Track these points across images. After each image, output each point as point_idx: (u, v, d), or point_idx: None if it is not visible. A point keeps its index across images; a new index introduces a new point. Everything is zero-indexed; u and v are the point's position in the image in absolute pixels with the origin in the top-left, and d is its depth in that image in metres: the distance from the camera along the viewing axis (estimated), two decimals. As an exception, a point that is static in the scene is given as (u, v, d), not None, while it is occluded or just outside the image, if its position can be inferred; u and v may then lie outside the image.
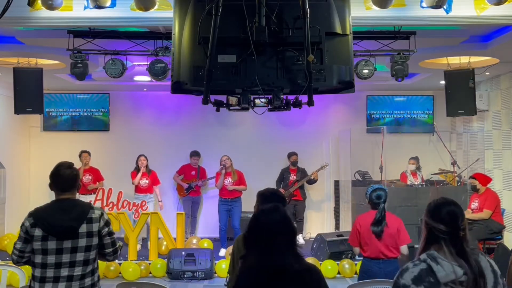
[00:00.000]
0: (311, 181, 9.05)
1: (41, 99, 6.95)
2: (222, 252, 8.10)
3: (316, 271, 2.26)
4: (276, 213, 2.28)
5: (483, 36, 6.25)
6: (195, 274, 6.92)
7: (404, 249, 4.50)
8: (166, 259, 7.17)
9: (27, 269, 6.89)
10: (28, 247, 3.02)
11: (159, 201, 8.94)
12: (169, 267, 6.99)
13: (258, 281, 2.15)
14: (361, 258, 4.67)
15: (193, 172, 9.40)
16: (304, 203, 9.12)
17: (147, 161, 8.81)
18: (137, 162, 8.78)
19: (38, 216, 3.03)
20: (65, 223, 2.97)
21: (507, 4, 4.58)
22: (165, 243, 7.85)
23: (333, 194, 9.80)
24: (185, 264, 6.97)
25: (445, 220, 2.18)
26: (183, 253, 7.08)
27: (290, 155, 9.12)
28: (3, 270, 4.58)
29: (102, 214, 3.12)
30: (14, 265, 4.87)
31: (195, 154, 9.42)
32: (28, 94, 6.76)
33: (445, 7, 4.66)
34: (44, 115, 9.57)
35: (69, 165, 3.18)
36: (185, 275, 6.91)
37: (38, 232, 2.98)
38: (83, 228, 3.00)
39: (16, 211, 9.43)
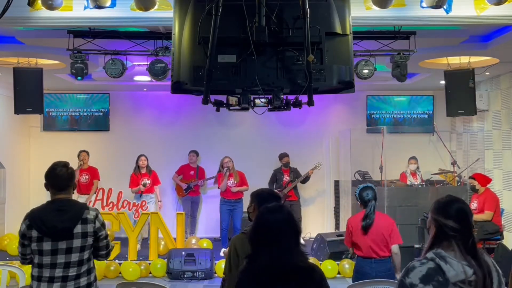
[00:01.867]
0: (305, 180, 9.03)
1: (41, 99, 6.95)
2: (223, 252, 8.09)
3: (319, 270, 2.28)
4: (281, 212, 2.29)
5: (483, 36, 6.25)
6: (195, 274, 6.92)
7: (394, 248, 4.53)
8: (166, 259, 7.17)
9: (27, 269, 6.88)
10: (27, 250, 3.06)
11: (158, 201, 8.93)
12: (169, 267, 6.99)
13: (267, 280, 2.15)
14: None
15: (192, 172, 9.40)
16: (299, 203, 9.10)
17: (148, 161, 8.80)
18: (137, 162, 8.77)
19: (33, 218, 3.04)
20: (60, 224, 2.98)
21: (507, 4, 4.57)
22: (163, 242, 7.85)
23: (333, 194, 9.79)
24: (185, 264, 6.97)
25: (455, 217, 2.15)
26: (183, 253, 7.08)
27: (282, 156, 9.07)
28: (3, 270, 4.58)
29: (97, 215, 3.12)
30: (14, 265, 4.87)
31: (192, 151, 9.43)
32: (28, 94, 6.76)
33: (445, 7, 4.66)
34: (44, 115, 9.57)
35: (64, 164, 3.18)
36: (185, 275, 6.91)
37: (34, 233, 2.99)
38: (78, 228, 3.01)
39: (16, 211, 9.42)
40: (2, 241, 8.60)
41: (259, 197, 3.27)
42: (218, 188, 8.58)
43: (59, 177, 3.10)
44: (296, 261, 2.18)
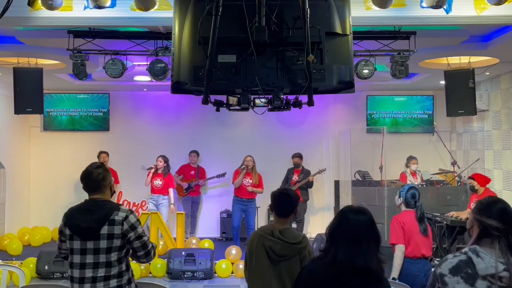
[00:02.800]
0: (309, 184, 9.08)
1: (41, 99, 6.95)
2: (233, 250, 7.86)
3: (387, 283, 2.24)
4: (364, 215, 2.27)
5: (483, 36, 6.25)
6: (195, 274, 6.91)
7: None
8: (166, 259, 7.17)
9: (27, 268, 6.88)
10: (63, 245, 3.12)
11: (171, 204, 8.80)
12: (169, 267, 6.99)
13: (339, 276, 2.14)
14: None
15: (192, 172, 9.41)
16: (305, 205, 9.13)
17: (165, 162, 8.77)
18: (156, 162, 8.79)
19: (68, 216, 3.08)
20: (84, 223, 2.98)
21: (507, 4, 4.57)
22: (161, 242, 7.85)
23: (333, 194, 9.79)
24: (185, 264, 6.97)
25: (498, 216, 2.17)
26: (183, 253, 7.08)
27: (292, 157, 9.21)
28: (3, 270, 4.59)
29: (126, 217, 3.02)
30: (14, 265, 4.87)
31: (193, 151, 9.45)
32: (28, 94, 6.76)
33: (445, 7, 4.66)
34: (44, 115, 9.56)
35: (98, 165, 3.19)
36: (185, 275, 6.91)
37: (67, 231, 3.03)
38: (104, 229, 2.97)
39: (16, 211, 9.43)
40: (2, 241, 8.59)
41: (273, 197, 3.41)
42: (233, 183, 8.57)
43: (90, 178, 3.11)
44: (372, 264, 2.15)
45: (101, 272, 2.98)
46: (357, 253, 2.15)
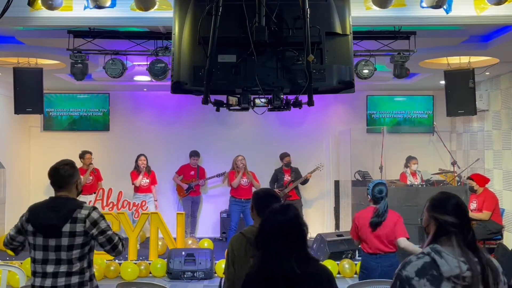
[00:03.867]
0: (304, 181, 9.07)
1: (41, 99, 6.95)
2: None
3: (322, 274, 2.20)
4: (288, 213, 2.23)
5: (483, 36, 6.25)
6: (195, 274, 6.91)
7: (400, 241, 4.48)
8: (166, 259, 7.17)
9: (27, 268, 6.90)
10: (19, 237, 3.13)
11: (154, 200, 8.92)
12: (169, 267, 6.99)
13: (260, 285, 2.12)
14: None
15: (192, 172, 9.41)
16: (301, 202, 9.12)
17: (147, 160, 8.82)
18: (136, 162, 8.78)
19: (32, 212, 3.11)
20: (47, 221, 3.01)
21: (507, 4, 4.58)
22: (160, 242, 7.85)
23: (333, 194, 9.79)
24: (185, 264, 6.96)
25: (454, 212, 2.17)
26: (183, 253, 7.08)
27: (283, 156, 9.12)
28: (3, 270, 4.58)
29: (89, 214, 3.05)
30: (14, 265, 4.87)
31: (194, 154, 9.43)
32: (28, 94, 6.76)
33: (445, 7, 4.66)
34: (44, 115, 9.56)
35: (67, 162, 3.21)
36: (185, 275, 6.91)
37: (29, 227, 3.06)
38: (67, 227, 3.00)
39: (16, 211, 9.37)
40: (2, 241, 8.58)
41: (255, 196, 3.27)
42: (230, 185, 8.56)
43: (58, 175, 3.14)
44: (288, 268, 2.11)
45: (62, 268, 3.01)
46: (271, 258, 2.11)
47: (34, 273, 3.07)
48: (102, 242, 3.11)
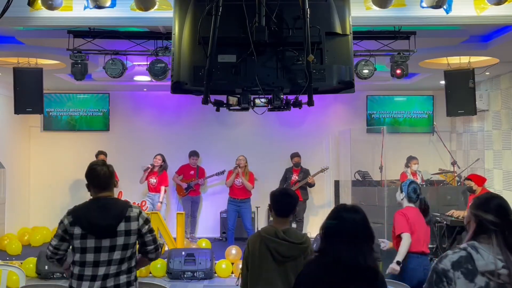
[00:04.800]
0: (310, 185, 9.08)
1: (41, 99, 6.95)
2: (233, 250, 7.84)
3: (382, 277, 2.27)
4: (358, 214, 2.29)
5: (483, 36, 6.25)
6: (195, 274, 6.91)
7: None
8: (166, 259, 7.17)
9: (27, 268, 6.87)
10: (63, 245, 3.05)
11: (159, 202, 8.87)
12: (169, 267, 6.99)
13: (337, 275, 2.16)
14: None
15: (192, 172, 9.41)
16: (305, 204, 9.13)
17: (163, 160, 8.87)
18: (153, 160, 8.90)
19: (77, 215, 3.03)
20: (104, 221, 2.97)
21: (507, 4, 4.57)
22: (160, 242, 7.86)
23: (333, 194, 9.79)
24: (185, 264, 6.97)
25: (495, 211, 2.19)
26: (183, 253, 7.08)
27: (292, 156, 9.19)
28: (3, 270, 4.58)
29: (140, 213, 3.11)
30: (14, 265, 4.87)
31: (194, 154, 9.44)
32: (28, 94, 6.76)
33: (445, 7, 4.66)
34: (44, 115, 9.56)
35: (103, 163, 3.20)
36: (185, 275, 6.91)
37: (77, 230, 2.98)
38: (121, 226, 2.99)
39: (16, 211, 9.43)
40: (2, 241, 8.59)
41: (272, 196, 3.36)
42: (225, 183, 8.67)
43: (100, 176, 3.10)
44: (368, 261, 2.18)
45: (113, 269, 2.98)
46: (357, 252, 2.16)
47: (80, 276, 2.98)
48: (149, 240, 3.11)
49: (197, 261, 6.99)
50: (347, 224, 2.24)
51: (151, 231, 3.13)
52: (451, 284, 2.14)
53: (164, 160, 8.95)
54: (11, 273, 5.01)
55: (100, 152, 8.99)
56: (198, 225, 9.85)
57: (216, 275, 7.10)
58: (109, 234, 2.97)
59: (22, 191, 9.78)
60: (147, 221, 3.12)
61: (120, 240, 2.98)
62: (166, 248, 7.63)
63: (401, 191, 4.64)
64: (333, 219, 2.31)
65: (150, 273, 7.12)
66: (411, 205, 4.56)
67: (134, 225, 3.03)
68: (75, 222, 2.99)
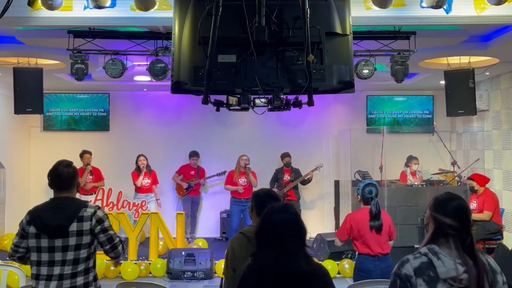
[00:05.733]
0: (305, 181, 9.07)
1: (41, 99, 6.95)
2: None
3: (323, 275, 2.23)
4: (288, 213, 2.25)
5: (483, 36, 6.25)
6: (195, 274, 6.91)
7: (391, 244, 4.62)
8: (166, 259, 7.17)
9: (27, 269, 6.85)
10: (23, 243, 3.07)
11: (157, 199, 8.99)
12: (169, 267, 6.99)
13: (269, 281, 2.13)
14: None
15: (192, 172, 9.41)
16: (298, 203, 9.12)
17: (147, 160, 8.84)
18: (137, 162, 8.80)
19: (34, 214, 3.07)
20: (56, 221, 2.99)
21: (507, 4, 4.57)
22: (161, 242, 7.85)
23: (333, 194, 9.79)
24: (185, 264, 6.97)
25: (454, 215, 2.14)
26: (183, 253, 7.08)
27: (283, 156, 9.14)
28: (3, 270, 4.58)
29: (95, 212, 3.06)
30: (14, 265, 4.87)
31: (194, 154, 9.44)
32: (28, 94, 6.76)
33: (445, 7, 4.66)
34: (44, 115, 9.57)
35: (68, 164, 3.19)
36: (185, 275, 6.91)
37: (32, 229, 3.02)
38: (73, 226, 2.98)
39: (16, 211, 9.42)
40: (2, 241, 8.60)
41: (255, 196, 3.25)
42: (225, 186, 8.62)
43: (61, 177, 3.11)
44: (301, 264, 2.14)
45: (67, 270, 2.98)
46: (287, 256, 2.11)
47: (37, 276, 3.01)
48: (103, 240, 3.10)
49: (197, 261, 6.99)
50: (275, 226, 2.20)
51: (104, 230, 3.08)
52: None
53: (147, 159, 8.88)
54: (11, 273, 5.01)
55: (84, 152, 9.00)
56: (198, 225, 9.85)
57: (216, 275, 7.10)
58: (61, 234, 2.97)
59: (22, 191, 9.78)
60: (100, 220, 3.07)
61: (72, 241, 2.98)
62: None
63: (357, 193, 4.67)
64: (262, 222, 2.27)
65: (150, 273, 7.12)
66: (368, 207, 4.57)
67: (86, 225, 3.01)
68: (30, 222, 3.03)
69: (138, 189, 8.78)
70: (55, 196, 3.14)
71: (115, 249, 3.16)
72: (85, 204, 3.10)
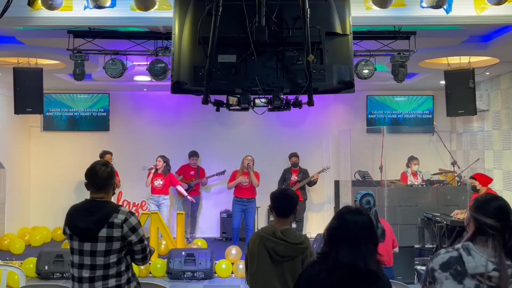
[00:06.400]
0: (311, 183, 9.07)
1: (41, 99, 6.95)
2: (233, 250, 7.87)
3: (387, 280, 2.25)
4: (362, 216, 2.26)
5: (483, 36, 6.25)
6: (195, 274, 6.91)
7: (396, 251, 4.63)
8: (166, 259, 7.17)
9: (27, 269, 6.87)
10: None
11: (187, 196, 8.91)
12: (169, 267, 6.99)
13: (340, 278, 2.15)
14: None
15: (192, 172, 9.41)
16: (305, 204, 9.13)
17: (164, 162, 8.76)
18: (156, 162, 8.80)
19: (69, 214, 3.04)
20: (82, 224, 2.92)
21: (507, 4, 4.57)
22: (164, 242, 7.85)
23: (333, 194, 9.80)
24: (185, 264, 6.97)
25: (494, 214, 2.14)
26: (183, 253, 7.08)
27: (290, 156, 9.18)
28: (3, 270, 4.58)
29: (126, 219, 2.94)
30: (14, 265, 4.87)
31: (193, 154, 9.44)
32: (28, 94, 6.76)
33: (445, 7, 4.66)
34: (44, 115, 9.56)
35: (104, 163, 3.13)
36: (185, 275, 6.91)
37: (67, 230, 3.00)
38: (103, 232, 2.89)
39: (16, 211, 9.43)
40: (2, 241, 8.60)
41: (272, 197, 3.39)
42: (227, 185, 8.55)
43: (97, 176, 3.03)
44: (365, 267, 2.15)
45: (99, 273, 2.92)
46: (358, 255, 2.15)
47: (72, 277, 2.98)
48: (137, 250, 3.01)
49: (197, 261, 6.99)
50: (350, 226, 2.22)
51: (141, 240, 3.00)
52: (434, 284, 2.13)
53: (167, 163, 8.81)
54: (11, 273, 5.02)
55: (105, 152, 8.84)
56: (198, 225, 9.85)
57: (216, 275, 7.10)
58: (90, 238, 2.90)
59: (22, 191, 9.78)
60: (134, 229, 2.95)
61: (101, 246, 2.89)
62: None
63: (354, 203, 4.68)
64: (336, 221, 2.30)
65: (150, 273, 7.12)
66: None
67: (117, 232, 2.91)
68: (67, 221, 3.03)
69: (153, 190, 8.73)
70: (91, 197, 3.06)
71: (145, 259, 3.10)
72: (117, 209, 2.98)
